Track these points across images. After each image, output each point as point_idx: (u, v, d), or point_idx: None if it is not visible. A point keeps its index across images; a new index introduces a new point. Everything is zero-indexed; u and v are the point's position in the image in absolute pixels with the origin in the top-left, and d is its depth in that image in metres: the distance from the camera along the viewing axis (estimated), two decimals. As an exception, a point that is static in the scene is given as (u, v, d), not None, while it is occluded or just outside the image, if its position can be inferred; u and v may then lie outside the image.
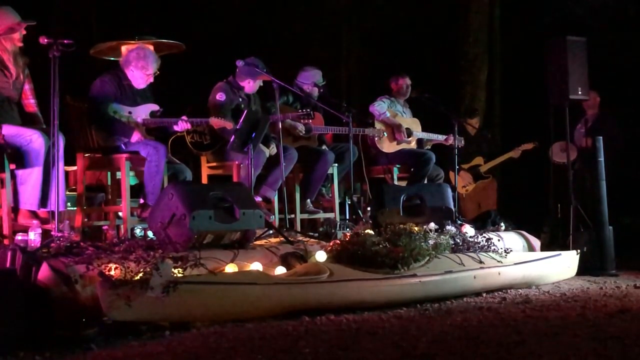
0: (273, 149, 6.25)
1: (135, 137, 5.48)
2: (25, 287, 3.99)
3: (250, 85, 6.40)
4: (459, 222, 6.45)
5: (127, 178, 5.45)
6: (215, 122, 5.82)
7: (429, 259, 5.20)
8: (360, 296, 4.67)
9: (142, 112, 5.65)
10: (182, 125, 5.66)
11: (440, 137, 7.63)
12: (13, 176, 4.93)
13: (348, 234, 5.37)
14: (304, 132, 6.75)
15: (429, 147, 7.65)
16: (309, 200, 6.64)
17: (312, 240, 5.57)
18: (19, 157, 4.90)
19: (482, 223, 6.88)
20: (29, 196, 4.88)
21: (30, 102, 5.26)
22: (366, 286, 4.73)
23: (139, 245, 4.35)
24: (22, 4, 5.14)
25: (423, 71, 9.91)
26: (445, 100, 8.39)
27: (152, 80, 5.72)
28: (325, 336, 3.77)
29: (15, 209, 4.95)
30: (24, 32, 5.07)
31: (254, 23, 11.68)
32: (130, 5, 10.51)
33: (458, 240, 5.79)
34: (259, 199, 6.05)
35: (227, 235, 4.90)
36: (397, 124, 7.33)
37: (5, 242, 4.76)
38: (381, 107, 7.33)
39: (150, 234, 5.00)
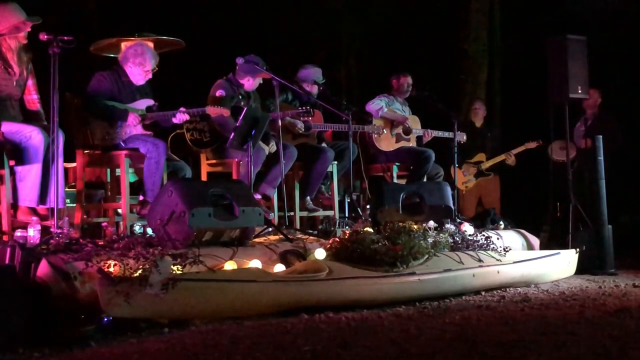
0: (273, 147, 6.24)
1: (131, 117, 5.48)
2: (24, 283, 3.99)
3: (250, 83, 6.40)
4: (458, 220, 6.45)
5: (127, 175, 5.45)
6: (212, 110, 5.80)
7: (428, 257, 5.20)
8: (359, 294, 4.67)
9: (139, 107, 5.65)
10: (180, 117, 5.66)
11: (446, 133, 7.56)
12: (12, 173, 4.93)
13: (347, 232, 5.37)
14: (303, 130, 6.74)
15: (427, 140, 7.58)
16: (308, 198, 6.64)
17: (311, 238, 5.58)
18: (18, 153, 4.89)
19: (482, 221, 6.88)
20: (28, 193, 4.88)
21: (33, 98, 5.26)
22: (365, 284, 4.73)
23: (138, 242, 4.35)
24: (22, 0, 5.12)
25: (423, 69, 9.90)
26: (445, 99, 8.39)
27: (150, 76, 5.72)
28: (324, 334, 3.78)
29: (14, 206, 4.94)
30: (29, 30, 5.05)
31: (254, 20, 11.68)
32: (130, 2, 10.50)
33: (457, 239, 5.80)
34: (258, 196, 6.04)
35: (226, 233, 4.90)
36: (398, 116, 7.33)
37: (5, 238, 4.76)
38: (377, 104, 7.31)
39: (149, 231, 5.00)
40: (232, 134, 5.60)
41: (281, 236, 5.39)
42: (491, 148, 8.84)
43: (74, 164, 5.86)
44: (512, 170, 8.81)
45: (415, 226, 5.49)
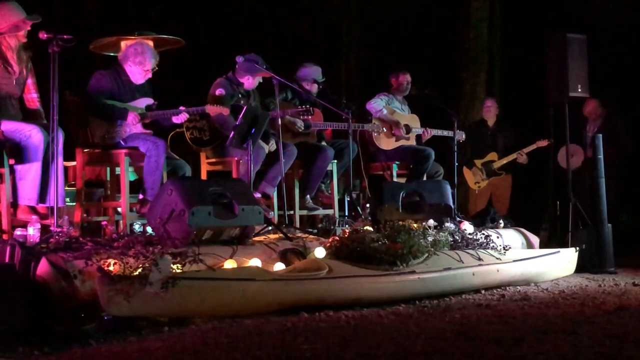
0: (272, 145, 6.24)
1: (131, 117, 5.48)
2: (24, 282, 3.99)
3: (250, 82, 6.39)
4: (458, 219, 6.45)
5: (127, 174, 5.45)
6: (212, 109, 5.80)
7: (427, 256, 5.20)
8: (359, 293, 4.67)
9: (139, 106, 5.65)
10: (180, 116, 5.66)
11: (445, 132, 7.53)
12: (12, 171, 4.93)
13: (347, 231, 5.38)
14: (303, 129, 6.74)
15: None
16: (308, 197, 6.64)
17: (311, 236, 5.57)
18: (18, 152, 4.89)
19: (481, 220, 6.87)
20: (28, 191, 4.88)
21: (33, 97, 5.26)
22: (365, 283, 4.73)
23: (138, 240, 4.35)
24: (22, -1, 5.12)
25: (423, 68, 9.91)
26: (445, 97, 8.37)
27: (150, 75, 5.71)
28: (324, 332, 3.78)
29: (14, 204, 4.94)
30: (29, 28, 5.05)
31: (254, 19, 11.68)
32: (130, 1, 10.50)
33: (457, 237, 5.80)
34: (258, 195, 6.05)
35: (226, 231, 4.90)
36: (394, 121, 7.32)
37: (5, 237, 4.76)
38: (377, 104, 7.31)
39: (149, 229, 5.00)
40: (232, 132, 5.60)
41: (281, 235, 5.39)
42: (503, 147, 8.74)
43: (73, 163, 5.87)
44: (513, 168, 8.76)
45: (415, 225, 5.49)
